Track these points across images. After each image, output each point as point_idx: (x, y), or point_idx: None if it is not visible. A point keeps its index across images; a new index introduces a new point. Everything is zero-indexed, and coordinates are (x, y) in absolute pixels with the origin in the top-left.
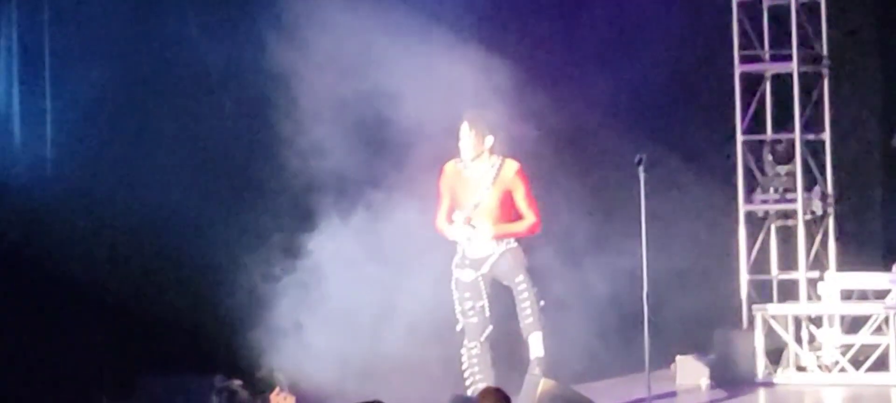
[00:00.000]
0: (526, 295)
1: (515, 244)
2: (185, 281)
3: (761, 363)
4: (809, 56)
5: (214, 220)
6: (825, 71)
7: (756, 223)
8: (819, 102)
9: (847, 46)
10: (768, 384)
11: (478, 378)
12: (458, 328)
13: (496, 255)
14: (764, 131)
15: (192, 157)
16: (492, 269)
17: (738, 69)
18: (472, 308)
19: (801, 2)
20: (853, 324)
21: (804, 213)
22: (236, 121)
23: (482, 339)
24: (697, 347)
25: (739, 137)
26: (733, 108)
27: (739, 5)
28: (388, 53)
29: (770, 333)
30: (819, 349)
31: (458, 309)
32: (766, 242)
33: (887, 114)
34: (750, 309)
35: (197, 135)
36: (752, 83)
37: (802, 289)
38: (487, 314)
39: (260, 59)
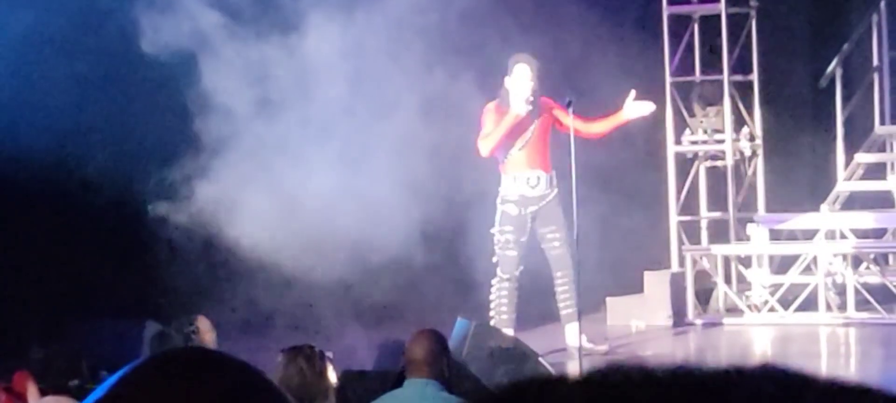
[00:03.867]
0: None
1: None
2: (110, 226)
3: (691, 303)
4: None
5: (140, 164)
6: (753, 12)
7: (685, 164)
8: (747, 44)
9: None
10: (697, 324)
11: (504, 316)
12: (494, 259)
13: (547, 198)
14: (692, 73)
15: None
16: (539, 211)
17: (667, 10)
18: (515, 241)
19: None
20: (782, 264)
21: (733, 154)
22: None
23: (517, 273)
24: (628, 288)
25: (668, 79)
26: (662, 50)
27: None
28: None
29: (699, 274)
30: (748, 289)
31: (497, 239)
32: (695, 183)
33: (815, 55)
34: (679, 250)
35: (123, 79)
36: (681, 25)
37: (731, 230)
38: (523, 252)
39: None
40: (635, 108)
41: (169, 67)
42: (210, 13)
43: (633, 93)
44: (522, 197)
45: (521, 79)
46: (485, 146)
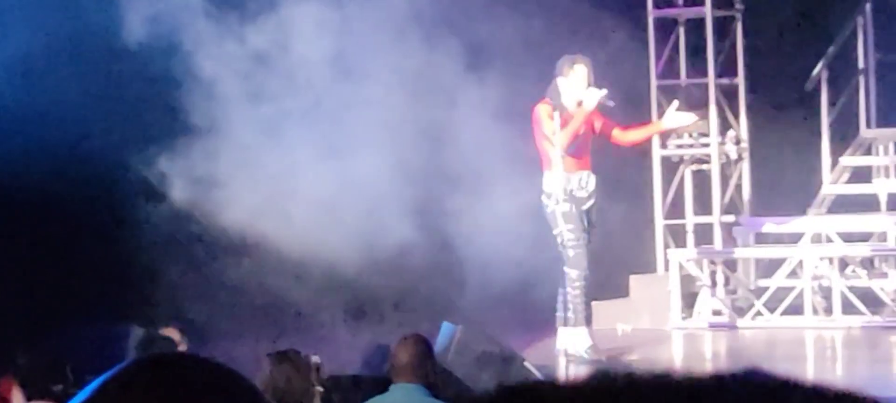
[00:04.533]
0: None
1: None
2: (98, 229)
3: (676, 306)
4: (723, 1)
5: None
6: (738, 15)
7: (671, 168)
8: (733, 47)
9: None
10: (683, 327)
11: (581, 314)
12: (571, 256)
13: (594, 193)
14: (678, 76)
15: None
16: (590, 207)
17: (652, 14)
18: (578, 239)
19: None
20: (768, 268)
21: (718, 158)
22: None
23: (587, 271)
24: (614, 292)
25: (654, 82)
26: (647, 53)
27: None
28: None
29: (685, 277)
30: (734, 292)
31: (567, 239)
32: (681, 187)
33: (801, 58)
34: (665, 254)
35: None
36: (666, 28)
37: (717, 233)
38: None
39: None
40: (677, 118)
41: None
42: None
43: (676, 103)
44: (574, 196)
45: (580, 79)
46: (562, 141)
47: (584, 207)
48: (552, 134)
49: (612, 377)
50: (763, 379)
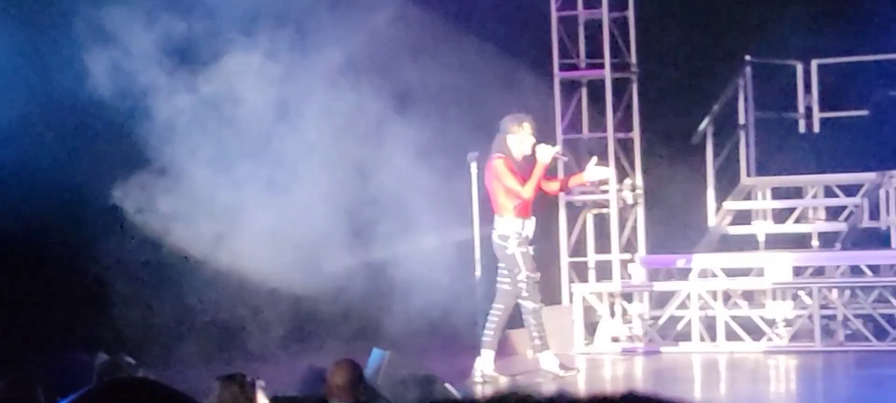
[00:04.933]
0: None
1: None
2: (64, 265)
3: (579, 335)
4: (620, 64)
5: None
6: (634, 77)
7: (575, 211)
8: (629, 105)
9: (654, 55)
10: (586, 353)
11: (538, 341)
12: (529, 292)
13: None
14: (581, 131)
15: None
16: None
17: (558, 76)
18: (532, 276)
19: (612, 17)
20: (660, 300)
21: (617, 203)
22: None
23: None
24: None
25: (559, 136)
26: (554, 111)
27: (558, 19)
28: None
29: (587, 309)
30: (630, 322)
31: (527, 278)
32: (583, 228)
33: (689, 115)
34: (570, 288)
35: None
36: (571, 88)
37: (615, 269)
38: None
39: None
40: (596, 172)
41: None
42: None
43: (594, 159)
44: (526, 239)
45: (528, 135)
46: (530, 191)
47: (533, 246)
48: (519, 186)
49: (517, 397)
50: (640, 400)
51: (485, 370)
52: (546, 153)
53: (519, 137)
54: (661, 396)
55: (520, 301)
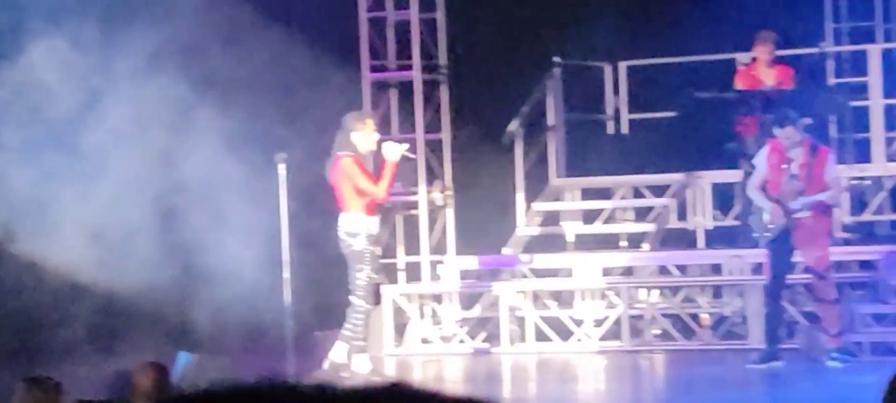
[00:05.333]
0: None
1: None
2: None
3: (389, 336)
4: (430, 66)
5: None
6: (443, 79)
7: (384, 213)
8: (439, 107)
9: (464, 57)
10: (396, 355)
11: (362, 341)
12: (362, 292)
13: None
14: (391, 132)
15: None
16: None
17: (368, 77)
18: (370, 279)
19: (422, 18)
20: (469, 301)
21: (426, 205)
22: None
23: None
24: (337, 323)
25: None
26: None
27: (368, 21)
28: None
29: (397, 310)
30: (440, 323)
31: (368, 276)
32: (393, 230)
33: (499, 116)
34: (379, 289)
35: None
36: (380, 89)
37: (425, 271)
38: None
39: None
40: (392, 149)
41: None
42: None
43: (390, 143)
44: (372, 236)
45: (372, 132)
46: (383, 191)
47: (377, 245)
48: (372, 186)
49: (276, 386)
50: (406, 391)
51: (337, 360)
52: (394, 152)
53: (363, 134)
54: (427, 389)
55: (352, 298)
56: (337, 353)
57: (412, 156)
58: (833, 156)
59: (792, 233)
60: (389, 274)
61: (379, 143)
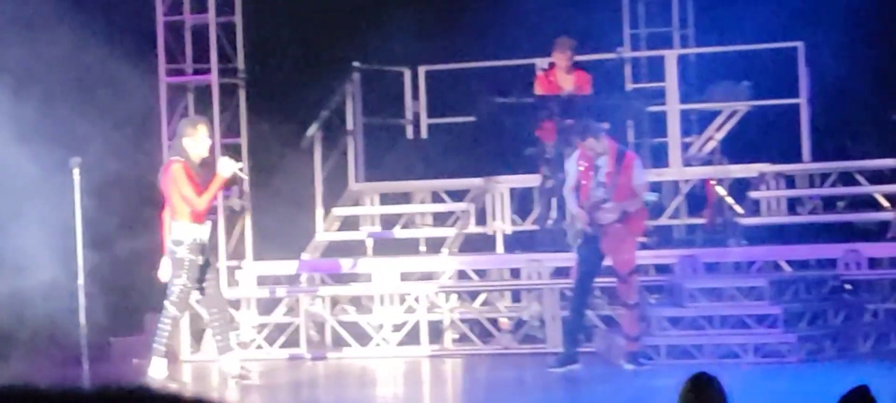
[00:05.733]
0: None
1: None
2: None
3: (186, 341)
4: (228, 69)
5: None
6: (241, 83)
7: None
8: (237, 111)
9: (262, 61)
10: (193, 361)
11: (170, 343)
12: (176, 298)
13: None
14: None
15: None
16: (209, 253)
17: (164, 81)
18: (191, 288)
19: (219, 22)
20: (267, 306)
21: (223, 210)
22: None
23: (184, 313)
24: (131, 329)
25: (165, 143)
26: (160, 116)
27: (165, 24)
28: None
29: (194, 316)
30: (238, 328)
31: (183, 285)
32: None
33: (297, 121)
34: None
35: None
36: (178, 93)
37: (223, 276)
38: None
39: None
40: (226, 165)
41: None
42: None
43: (224, 159)
44: (200, 244)
45: (203, 138)
46: (204, 204)
47: (205, 255)
48: (195, 196)
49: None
50: (149, 393)
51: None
52: (227, 167)
53: (194, 140)
54: (175, 392)
55: (167, 302)
56: (156, 368)
57: (244, 176)
58: (639, 162)
59: (601, 239)
60: None
61: (210, 149)
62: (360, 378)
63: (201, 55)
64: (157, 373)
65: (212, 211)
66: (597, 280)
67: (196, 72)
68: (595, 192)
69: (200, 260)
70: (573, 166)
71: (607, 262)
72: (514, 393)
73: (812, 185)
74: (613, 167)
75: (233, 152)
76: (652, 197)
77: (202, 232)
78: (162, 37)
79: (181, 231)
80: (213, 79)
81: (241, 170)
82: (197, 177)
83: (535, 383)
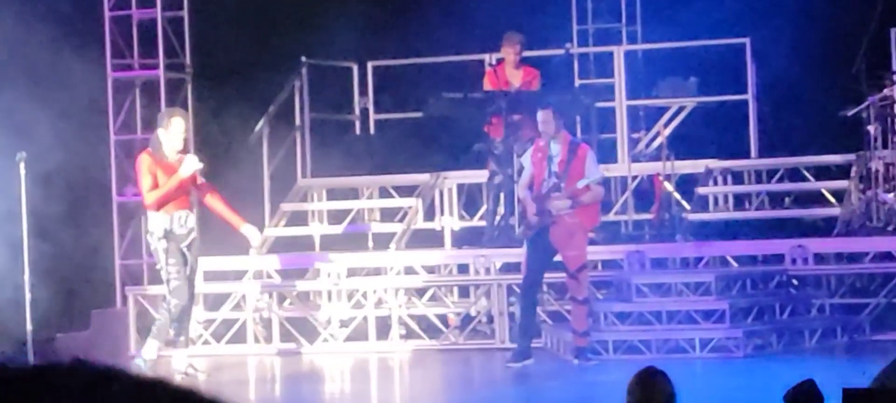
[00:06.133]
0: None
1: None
2: None
3: (133, 337)
4: (175, 64)
5: None
6: (188, 78)
7: (128, 213)
8: (184, 106)
9: (210, 56)
10: (139, 356)
11: (176, 335)
12: (172, 287)
13: (193, 235)
14: (135, 131)
15: None
16: (189, 242)
17: (111, 75)
18: (179, 273)
19: (166, 17)
20: (215, 302)
21: None
22: None
23: (187, 301)
24: (76, 325)
25: (112, 137)
26: (107, 110)
27: (111, 19)
28: None
29: (142, 311)
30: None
31: (169, 272)
32: (137, 230)
33: (245, 116)
34: (123, 290)
35: None
36: (125, 87)
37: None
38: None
39: None
40: (186, 164)
41: None
42: None
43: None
44: (173, 234)
45: (177, 132)
46: (151, 199)
47: (184, 244)
48: (146, 190)
49: None
50: (85, 368)
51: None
52: (188, 167)
53: (167, 132)
54: (108, 366)
55: (166, 292)
56: (148, 350)
57: (202, 178)
58: (592, 153)
59: (550, 231)
60: (135, 275)
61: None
62: (307, 374)
63: (148, 50)
64: (148, 354)
65: (187, 203)
66: (546, 275)
67: (143, 66)
68: (547, 182)
69: (175, 247)
70: (528, 160)
71: (557, 257)
72: (461, 390)
73: (759, 181)
74: (566, 156)
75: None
76: (597, 176)
77: (170, 221)
78: (109, 31)
79: (151, 221)
80: (161, 73)
81: (201, 171)
82: (168, 170)
83: (483, 379)
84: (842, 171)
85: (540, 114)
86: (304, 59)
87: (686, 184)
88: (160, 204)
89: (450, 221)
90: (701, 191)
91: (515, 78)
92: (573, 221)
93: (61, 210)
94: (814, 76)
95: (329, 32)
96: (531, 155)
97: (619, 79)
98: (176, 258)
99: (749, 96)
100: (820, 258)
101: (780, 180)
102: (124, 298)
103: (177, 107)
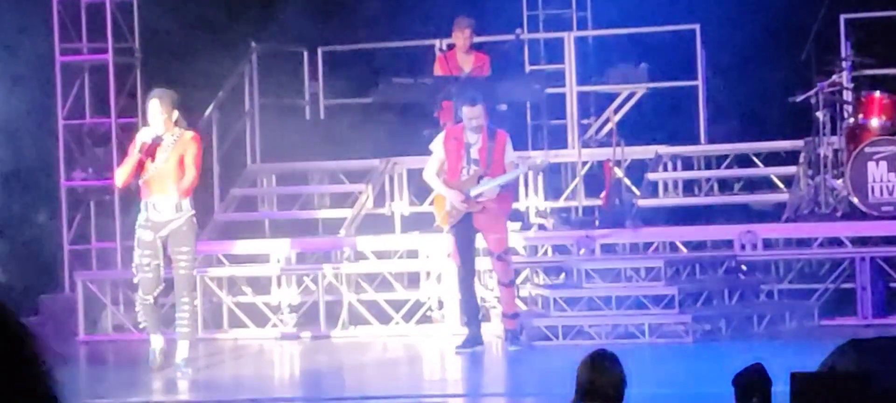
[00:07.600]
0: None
1: (192, 215)
2: None
3: (82, 322)
4: (124, 49)
5: None
6: (137, 62)
7: (76, 197)
8: (133, 91)
9: (159, 40)
10: (89, 342)
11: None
12: (135, 280)
13: (177, 222)
14: (84, 116)
15: None
16: (169, 235)
17: (59, 60)
18: (149, 265)
19: (115, 1)
20: (165, 288)
21: (117, 191)
22: None
23: (155, 294)
24: (24, 311)
25: (61, 122)
26: (56, 95)
27: (59, 2)
28: None
29: (90, 296)
30: (136, 310)
31: (136, 263)
32: (86, 216)
33: (195, 100)
34: (71, 276)
35: None
36: (73, 72)
37: (119, 257)
38: (161, 274)
39: None
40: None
41: None
42: None
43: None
44: (151, 221)
45: (155, 113)
46: (119, 178)
47: (161, 234)
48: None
49: None
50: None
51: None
52: (139, 139)
53: (150, 111)
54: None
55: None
56: (179, 352)
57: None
58: (509, 139)
59: (474, 217)
60: (84, 260)
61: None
62: (256, 358)
63: (97, 34)
64: (180, 355)
65: (165, 189)
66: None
67: (91, 51)
68: (467, 169)
69: (150, 236)
70: (439, 147)
71: (479, 243)
72: (410, 374)
73: (709, 167)
74: (486, 143)
75: (131, 130)
76: (539, 156)
77: (146, 207)
78: (57, 14)
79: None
80: (110, 58)
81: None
82: (150, 151)
83: (431, 364)
84: (791, 157)
85: (471, 110)
86: (253, 43)
87: (636, 169)
88: (123, 182)
89: (400, 206)
90: (651, 176)
91: (466, 63)
92: (496, 206)
93: (8, 195)
94: (763, 62)
95: (279, 17)
96: (444, 142)
97: (570, 65)
98: (145, 249)
99: (699, 82)
100: (769, 243)
101: (730, 166)
102: (72, 284)
103: (154, 89)
